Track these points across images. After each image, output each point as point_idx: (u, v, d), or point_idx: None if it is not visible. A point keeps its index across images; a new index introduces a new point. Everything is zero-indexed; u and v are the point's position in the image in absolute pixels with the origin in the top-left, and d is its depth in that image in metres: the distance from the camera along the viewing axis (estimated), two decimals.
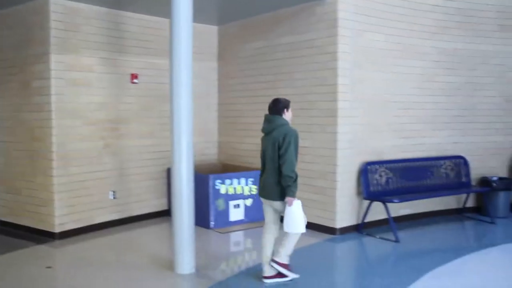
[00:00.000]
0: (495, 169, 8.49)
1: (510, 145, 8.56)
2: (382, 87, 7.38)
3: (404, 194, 7.35)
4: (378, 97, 7.36)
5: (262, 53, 8.00)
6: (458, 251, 6.28)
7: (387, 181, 7.33)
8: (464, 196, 8.30)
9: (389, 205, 6.94)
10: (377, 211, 7.22)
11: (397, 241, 6.67)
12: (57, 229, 6.87)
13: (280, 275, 5.19)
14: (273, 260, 5.16)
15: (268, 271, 5.22)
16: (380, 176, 7.27)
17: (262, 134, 5.27)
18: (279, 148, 4.90)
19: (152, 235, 7.32)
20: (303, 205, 5.11)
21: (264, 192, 5.12)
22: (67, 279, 5.40)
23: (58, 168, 6.85)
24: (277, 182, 4.96)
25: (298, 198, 5.00)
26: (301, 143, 7.27)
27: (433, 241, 6.89)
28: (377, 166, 7.27)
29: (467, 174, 8.11)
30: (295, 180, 4.91)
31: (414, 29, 7.63)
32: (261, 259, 5.36)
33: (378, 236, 6.94)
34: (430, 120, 7.91)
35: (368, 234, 7.06)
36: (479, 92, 8.25)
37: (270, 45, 7.85)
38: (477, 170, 8.32)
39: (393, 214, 7.33)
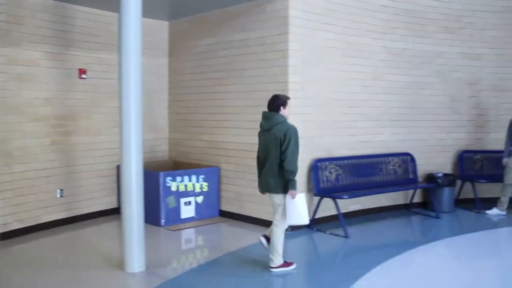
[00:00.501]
0: (441, 166, 8.79)
1: (454, 143, 8.87)
2: (331, 85, 7.49)
3: (354, 190, 7.48)
4: (327, 94, 7.47)
5: (214, 49, 7.97)
6: (405, 245, 6.46)
7: (337, 178, 7.45)
8: (411, 192, 8.54)
9: (338, 201, 7.06)
10: (328, 207, 7.32)
11: (346, 236, 6.79)
12: None
13: (286, 264, 5.47)
14: (271, 268, 5.40)
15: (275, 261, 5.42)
16: (330, 173, 7.38)
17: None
18: (281, 145, 5.11)
19: (101, 233, 7.17)
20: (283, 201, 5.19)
21: (266, 186, 5.32)
22: (9, 282, 5.20)
23: (0, 166, 6.60)
24: (278, 176, 5.17)
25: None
26: (251, 140, 7.38)
27: (381, 236, 7.06)
28: (327, 163, 7.37)
29: (414, 171, 8.34)
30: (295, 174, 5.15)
31: (363, 28, 7.78)
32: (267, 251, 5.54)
33: (328, 232, 7.04)
34: (378, 118, 8.09)
35: (319, 230, 7.15)
36: (425, 91, 8.51)
37: (221, 41, 7.83)
38: (423, 167, 8.59)
39: (343, 210, 7.46)
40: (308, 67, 7.16)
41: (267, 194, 5.41)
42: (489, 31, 8.86)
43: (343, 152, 7.70)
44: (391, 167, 8.14)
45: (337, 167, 7.48)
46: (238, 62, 7.56)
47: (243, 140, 7.53)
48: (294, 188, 5.15)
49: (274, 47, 7.04)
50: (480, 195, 8.58)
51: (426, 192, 8.62)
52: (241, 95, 7.56)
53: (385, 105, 8.15)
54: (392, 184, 8.07)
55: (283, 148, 5.09)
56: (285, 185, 5.18)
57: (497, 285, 5.21)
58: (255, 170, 7.26)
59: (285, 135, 5.09)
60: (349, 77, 7.71)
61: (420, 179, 8.51)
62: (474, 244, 6.65)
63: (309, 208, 7.18)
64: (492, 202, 8.36)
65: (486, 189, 8.80)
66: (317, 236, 6.99)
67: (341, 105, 7.63)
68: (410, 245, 6.48)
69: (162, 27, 8.72)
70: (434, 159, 8.73)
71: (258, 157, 5.48)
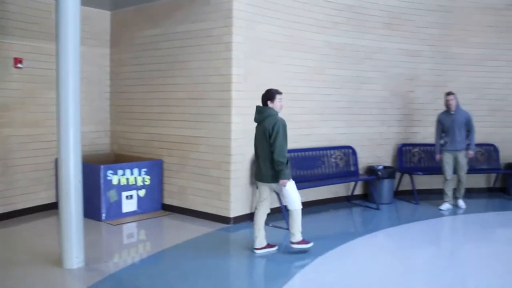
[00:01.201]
0: (381, 159, 9.05)
1: (394, 136, 9.15)
2: (274, 78, 7.52)
3: (297, 183, 7.48)
4: (269, 87, 7.45)
5: (157, 40, 7.86)
6: (346, 236, 6.63)
7: None
8: (352, 184, 8.75)
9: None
10: (272, 200, 7.35)
11: (288, 229, 6.83)
12: None
13: (269, 246, 5.93)
14: (291, 243, 5.84)
15: (258, 243, 5.83)
16: None
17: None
18: (270, 137, 5.50)
19: (38, 229, 6.95)
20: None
21: (260, 176, 5.74)
22: None
23: None
24: (270, 167, 5.59)
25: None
26: (195, 133, 7.35)
27: (323, 228, 7.19)
28: None
29: (355, 163, 8.55)
30: (287, 163, 5.57)
31: (306, 22, 7.88)
32: (253, 232, 5.91)
33: (271, 224, 7.07)
34: (320, 111, 8.23)
35: None
36: (366, 86, 8.72)
37: (165, 33, 7.73)
38: (364, 160, 8.82)
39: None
40: (251, 60, 7.18)
41: (259, 184, 5.84)
42: (426, 29, 9.19)
43: None
44: (333, 160, 8.31)
45: None
46: (182, 54, 7.49)
47: (186, 133, 7.48)
48: (284, 177, 5.56)
49: (218, 40, 7.02)
50: (418, 187, 8.90)
51: (366, 184, 8.85)
52: (184, 87, 7.50)
53: (326, 99, 8.30)
54: (334, 176, 8.25)
55: (271, 140, 5.50)
56: (276, 175, 5.59)
57: (430, 273, 5.43)
58: (198, 163, 7.32)
59: (273, 127, 5.50)
60: (291, 71, 7.79)
61: (361, 171, 8.73)
62: (411, 234, 6.90)
63: (252, 201, 7.33)
64: (430, 194, 8.72)
65: (423, 181, 9.15)
66: None
67: (283, 98, 7.64)
68: (351, 236, 6.67)
69: (103, 16, 8.50)
70: (374, 152, 8.98)
71: (255, 149, 5.83)
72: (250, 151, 7.21)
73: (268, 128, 5.52)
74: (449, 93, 8.23)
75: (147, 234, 6.96)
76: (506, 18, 9.58)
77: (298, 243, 5.85)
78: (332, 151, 8.32)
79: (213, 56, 7.08)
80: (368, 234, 6.91)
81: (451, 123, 8.16)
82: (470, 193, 9.70)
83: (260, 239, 5.86)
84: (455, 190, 8.48)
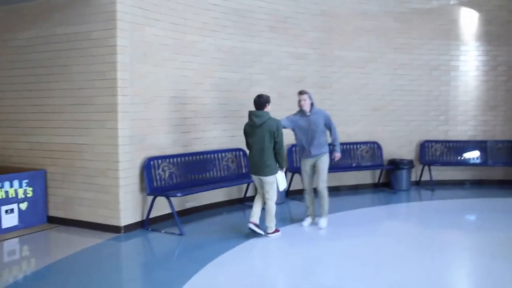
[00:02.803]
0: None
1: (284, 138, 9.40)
2: (162, 82, 7.49)
3: (188, 187, 7.58)
4: (157, 92, 7.45)
5: (34, 43, 7.46)
6: (239, 239, 6.72)
7: (170, 176, 7.47)
8: (245, 186, 8.88)
9: (173, 199, 7.09)
10: (163, 206, 7.32)
11: (181, 234, 6.86)
12: None
13: (277, 230, 6.93)
14: (268, 234, 6.78)
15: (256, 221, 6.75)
16: (163, 171, 7.38)
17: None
18: (275, 136, 6.51)
19: None
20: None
21: (259, 170, 6.64)
22: None
23: None
24: (272, 161, 6.59)
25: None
26: (79, 140, 7.11)
27: (217, 231, 7.25)
28: (159, 161, 7.35)
29: (247, 165, 8.67)
30: None
31: (193, 25, 7.91)
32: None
33: (163, 231, 7.05)
34: (209, 115, 8.30)
35: (154, 230, 7.12)
36: (254, 88, 8.91)
37: (42, 35, 7.36)
38: None
39: (179, 208, 7.57)
40: (138, 64, 7.07)
41: (258, 177, 6.70)
42: (311, 32, 9.61)
43: (176, 149, 7.75)
44: (224, 162, 8.40)
45: (170, 165, 7.50)
46: (62, 57, 7.18)
47: (70, 140, 7.20)
48: (284, 166, 6.81)
49: (102, 43, 6.83)
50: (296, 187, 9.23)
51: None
52: (66, 93, 7.19)
53: (216, 102, 8.38)
54: (226, 179, 8.34)
55: (277, 139, 6.53)
56: (275, 167, 6.65)
57: (305, 269, 5.68)
58: (84, 172, 7.09)
59: (277, 128, 6.53)
60: (180, 74, 7.77)
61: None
62: (305, 233, 7.17)
63: (143, 208, 7.25)
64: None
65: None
66: (152, 236, 6.96)
67: (172, 102, 7.66)
68: (244, 238, 6.75)
69: None
70: None
71: (249, 148, 6.78)
72: (139, 157, 7.12)
73: (272, 129, 6.51)
74: (301, 92, 7.26)
75: (31, 249, 6.60)
76: (382, 23, 10.29)
77: (274, 232, 6.84)
78: (223, 154, 8.41)
79: (97, 60, 6.87)
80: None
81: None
82: (357, 189, 10.32)
83: (257, 219, 6.75)
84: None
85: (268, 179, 6.66)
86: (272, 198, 6.75)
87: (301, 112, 7.26)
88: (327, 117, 7.25)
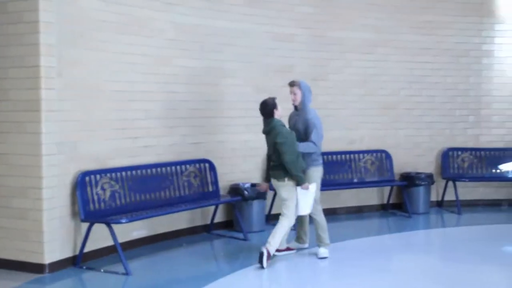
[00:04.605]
0: (248, 174, 9.20)
1: (263, 145, 9.31)
2: (101, 72, 7.42)
3: (136, 211, 7.50)
4: (95, 84, 7.37)
5: None
6: (203, 278, 6.64)
7: (112, 196, 7.39)
8: (212, 209, 8.78)
9: (115, 227, 6.97)
10: (103, 236, 7.20)
11: (127, 273, 6.77)
12: None
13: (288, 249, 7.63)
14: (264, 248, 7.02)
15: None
16: (103, 189, 7.29)
17: None
18: (279, 149, 6.96)
19: None
20: None
21: (272, 171, 7.30)
22: None
23: None
24: (285, 170, 7.08)
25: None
26: None
27: (174, 268, 7.23)
28: (98, 177, 7.25)
29: (215, 182, 8.62)
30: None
31: None
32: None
33: (102, 270, 6.97)
34: (164, 115, 8.23)
35: (90, 268, 7.03)
36: (225, 80, 8.86)
37: None
38: (226, 176, 8.96)
39: (125, 238, 7.49)
40: (68, 47, 6.97)
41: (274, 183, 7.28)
42: (300, 7, 9.65)
43: (120, 161, 7.65)
44: (184, 178, 8.34)
45: (112, 182, 7.42)
46: None
47: None
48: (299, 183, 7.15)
49: (18, 18, 6.70)
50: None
51: (230, 208, 8.94)
52: None
53: (173, 98, 8.33)
54: (187, 200, 8.29)
55: (282, 152, 6.93)
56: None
57: None
58: None
59: (279, 140, 6.93)
60: (126, 61, 7.70)
61: (223, 191, 8.80)
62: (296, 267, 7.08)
63: (75, 239, 7.12)
64: None
65: None
66: (88, 276, 6.89)
67: (114, 99, 7.59)
68: (211, 278, 6.66)
69: None
70: (239, 165, 9.13)
71: (268, 156, 7.45)
72: (70, 171, 6.99)
73: (275, 140, 6.99)
74: (290, 84, 7.45)
75: None
76: None
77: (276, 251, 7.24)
78: (183, 167, 8.34)
79: (12, 41, 6.75)
80: (235, 272, 6.95)
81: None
82: (360, 212, 10.24)
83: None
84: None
85: (282, 187, 7.13)
86: (288, 217, 7.11)
87: (295, 108, 7.55)
88: (307, 121, 7.26)
